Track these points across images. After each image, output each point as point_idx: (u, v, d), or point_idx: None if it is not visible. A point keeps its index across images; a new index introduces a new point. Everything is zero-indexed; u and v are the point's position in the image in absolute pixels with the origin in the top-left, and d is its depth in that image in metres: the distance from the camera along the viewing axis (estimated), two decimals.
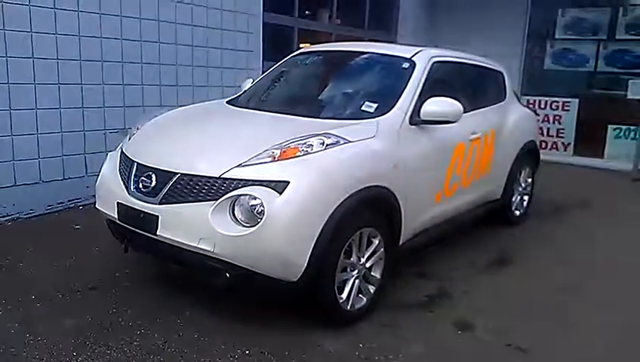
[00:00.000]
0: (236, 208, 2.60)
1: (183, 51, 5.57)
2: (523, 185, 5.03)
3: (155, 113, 4.69)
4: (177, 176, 2.74)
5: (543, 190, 5.60)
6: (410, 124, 3.35)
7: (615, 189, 6.88)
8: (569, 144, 8.67)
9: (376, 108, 3.35)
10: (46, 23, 4.42)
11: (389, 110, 3.32)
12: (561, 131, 8.72)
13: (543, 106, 8.77)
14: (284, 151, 2.72)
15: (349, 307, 2.95)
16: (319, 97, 3.76)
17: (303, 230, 2.61)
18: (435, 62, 3.74)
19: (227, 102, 3.90)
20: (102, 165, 3.37)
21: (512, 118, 4.66)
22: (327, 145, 2.80)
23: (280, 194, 2.57)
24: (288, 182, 2.59)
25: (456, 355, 2.77)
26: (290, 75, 4.22)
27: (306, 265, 2.63)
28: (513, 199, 4.87)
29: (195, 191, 2.68)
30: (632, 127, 8.00)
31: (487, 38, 8.12)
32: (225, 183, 2.64)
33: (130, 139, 3.34)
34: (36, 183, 4.53)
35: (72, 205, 4.78)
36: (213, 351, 2.67)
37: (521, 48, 8.96)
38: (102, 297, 3.17)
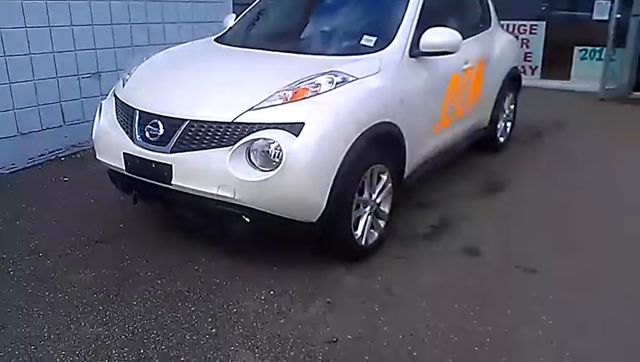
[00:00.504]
0: (252, 153, 2.56)
1: None
2: (507, 111, 5.12)
3: (129, 56, 4.47)
4: (187, 122, 2.66)
5: (518, 115, 5.72)
6: (410, 56, 3.32)
7: (584, 110, 7.10)
8: (536, 67, 8.80)
9: (376, 42, 3.29)
10: None
11: (389, 43, 3.26)
12: (529, 55, 8.81)
13: (511, 30, 8.79)
14: (296, 92, 2.67)
15: (363, 242, 3.03)
16: (315, 32, 3.64)
17: (322, 170, 2.61)
18: None
19: (215, 40, 3.74)
20: (95, 114, 3.21)
21: (498, 46, 4.67)
22: (336, 83, 2.76)
23: (296, 136, 2.54)
24: (304, 124, 2.56)
25: (467, 280, 2.91)
26: (279, 8, 4.07)
27: (325, 205, 2.66)
28: (498, 126, 4.98)
29: (207, 137, 2.62)
30: (597, 48, 8.16)
31: None
32: (239, 128, 2.59)
33: (124, 85, 3.18)
34: (14, 136, 4.30)
35: (53, 157, 4.59)
36: (239, 294, 2.72)
37: None
38: (112, 250, 3.13)
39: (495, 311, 2.62)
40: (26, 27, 4.27)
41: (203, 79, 3.04)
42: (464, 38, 3.90)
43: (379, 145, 2.99)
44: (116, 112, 3.05)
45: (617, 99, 7.57)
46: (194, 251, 3.10)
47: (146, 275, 2.87)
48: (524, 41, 8.75)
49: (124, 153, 2.87)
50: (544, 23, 8.57)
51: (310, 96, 2.66)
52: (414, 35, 3.36)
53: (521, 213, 3.80)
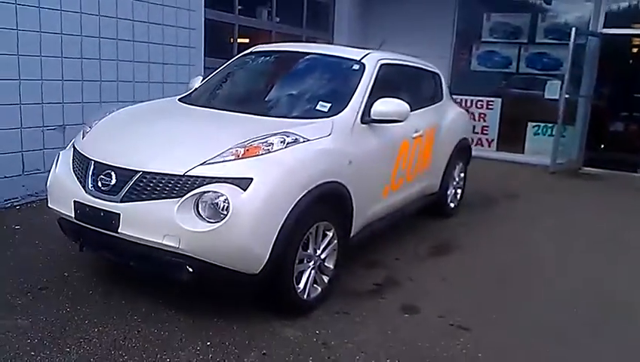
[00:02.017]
0: (200, 205, 2.67)
1: (123, 46, 5.48)
2: (457, 179, 5.38)
3: (96, 110, 4.61)
4: (139, 174, 2.77)
5: (471, 183, 6.00)
6: (362, 122, 3.55)
7: (536, 181, 7.48)
8: (493, 140, 9.25)
9: (330, 107, 3.52)
10: None
11: (342, 110, 3.49)
12: (486, 128, 9.29)
13: (469, 105, 9.28)
14: (247, 150, 2.82)
15: (305, 296, 3.10)
16: (274, 97, 3.87)
17: (266, 225, 2.73)
18: (382, 64, 3.96)
19: (179, 100, 3.92)
20: (53, 164, 3.30)
21: (449, 117, 4.99)
22: (287, 143, 2.94)
23: (244, 190, 2.67)
24: (252, 179, 2.70)
25: (404, 336, 2.99)
26: (243, 74, 4.31)
27: (267, 257, 2.75)
28: (448, 192, 5.21)
29: (158, 188, 2.73)
30: (549, 125, 8.67)
31: (418, 40, 8.45)
32: (189, 181, 2.71)
33: (83, 136, 3.30)
34: None
35: (9, 205, 4.59)
36: (174, 344, 2.73)
37: (449, 50, 9.43)
38: (54, 297, 3.13)
39: None
40: None
41: (160, 134, 3.18)
42: (415, 109, 4.23)
43: (325, 203, 3.13)
44: (73, 162, 3.14)
45: (567, 173, 7.99)
46: (135, 300, 3.12)
47: (84, 323, 2.86)
48: (482, 115, 9.27)
49: (74, 201, 2.94)
50: (500, 99, 9.12)
51: (261, 154, 2.82)
52: (366, 103, 3.60)
53: (465, 273, 3.94)
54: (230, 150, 2.81)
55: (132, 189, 2.76)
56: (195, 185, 2.69)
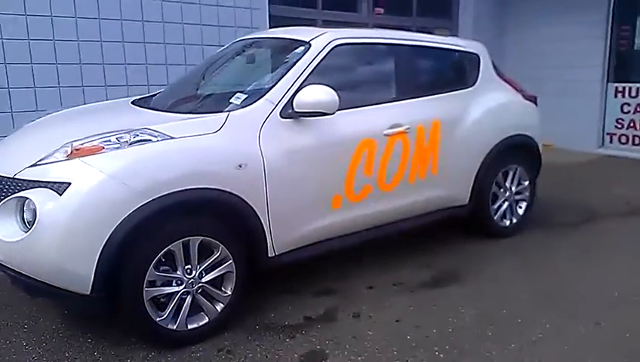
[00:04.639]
0: (18, 211, 2.40)
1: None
2: (513, 189, 4.16)
3: None
4: None
5: (581, 192, 4.54)
6: (282, 117, 2.90)
7: None
8: None
9: (245, 99, 2.96)
10: None
11: (254, 101, 2.90)
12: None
13: (633, 94, 7.36)
14: (78, 149, 2.47)
15: (175, 326, 2.59)
16: (204, 91, 3.44)
17: (82, 237, 2.32)
18: (337, 46, 3.22)
19: (132, 102, 3.70)
20: None
21: (484, 108, 3.87)
22: (131, 142, 2.50)
23: (60, 196, 2.32)
24: (69, 184, 2.34)
25: None
26: (197, 69, 3.92)
27: (93, 276, 2.34)
28: (495, 206, 4.06)
29: None
30: None
31: (566, 21, 7.06)
32: (14, 184, 2.46)
33: None
34: None
35: None
36: None
37: (605, 27, 7.50)
38: None
39: None
40: None
41: (43, 137, 2.91)
42: (397, 99, 3.39)
43: (196, 214, 2.61)
44: None
45: None
46: None
47: None
48: None
49: None
50: None
51: (92, 155, 2.43)
52: (295, 93, 2.94)
53: (439, 320, 2.93)
54: (61, 149, 2.49)
55: None
56: (18, 189, 2.42)
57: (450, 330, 2.78)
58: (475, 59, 4.03)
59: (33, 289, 2.45)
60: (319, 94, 2.85)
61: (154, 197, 2.42)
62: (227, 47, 3.83)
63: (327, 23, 6.57)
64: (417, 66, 3.71)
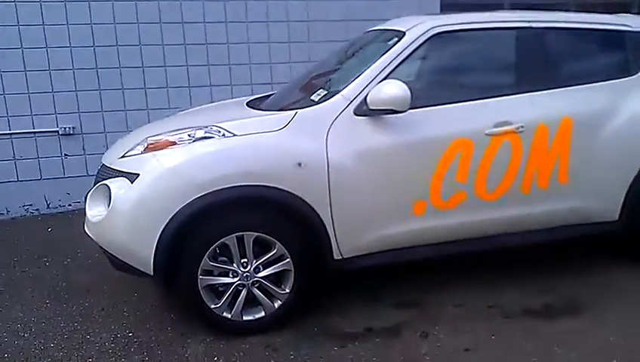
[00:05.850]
0: (109, 196, 2.73)
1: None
2: None
3: None
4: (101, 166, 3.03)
5: None
6: (356, 114, 2.73)
7: None
8: None
9: (323, 95, 2.86)
10: None
11: (329, 98, 2.79)
12: None
13: None
14: (152, 144, 2.72)
15: (230, 316, 2.70)
16: (299, 89, 3.37)
17: (143, 222, 2.57)
18: (435, 35, 2.86)
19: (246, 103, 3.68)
20: None
21: None
22: (197, 138, 2.65)
23: (132, 185, 2.61)
24: (139, 175, 2.60)
25: None
26: (313, 67, 3.82)
27: (152, 258, 2.58)
28: None
29: (101, 178, 2.90)
30: None
31: None
32: (108, 172, 2.82)
33: None
34: None
35: None
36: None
37: None
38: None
39: None
40: None
41: (144, 132, 3.09)
42: (513, 93, 2.94)
43: (252, 210, 2.66)
44: None
45: None
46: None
47: None
48: None
49: None
50: None
51: (161, 149, 2.67)
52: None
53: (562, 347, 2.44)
54: (140, 144, 2.77)
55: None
56: (109, 176, 2.77)
57: None
58: (623, 41, 3.14)
59: (115, 263, 2.81)
60: (390, 90, 2.60)
61: (209, 191, 2.54)
62: (349, 42, 3.73)
63: (516, 6, 5.83)
64: (543, 54, 3.01)
